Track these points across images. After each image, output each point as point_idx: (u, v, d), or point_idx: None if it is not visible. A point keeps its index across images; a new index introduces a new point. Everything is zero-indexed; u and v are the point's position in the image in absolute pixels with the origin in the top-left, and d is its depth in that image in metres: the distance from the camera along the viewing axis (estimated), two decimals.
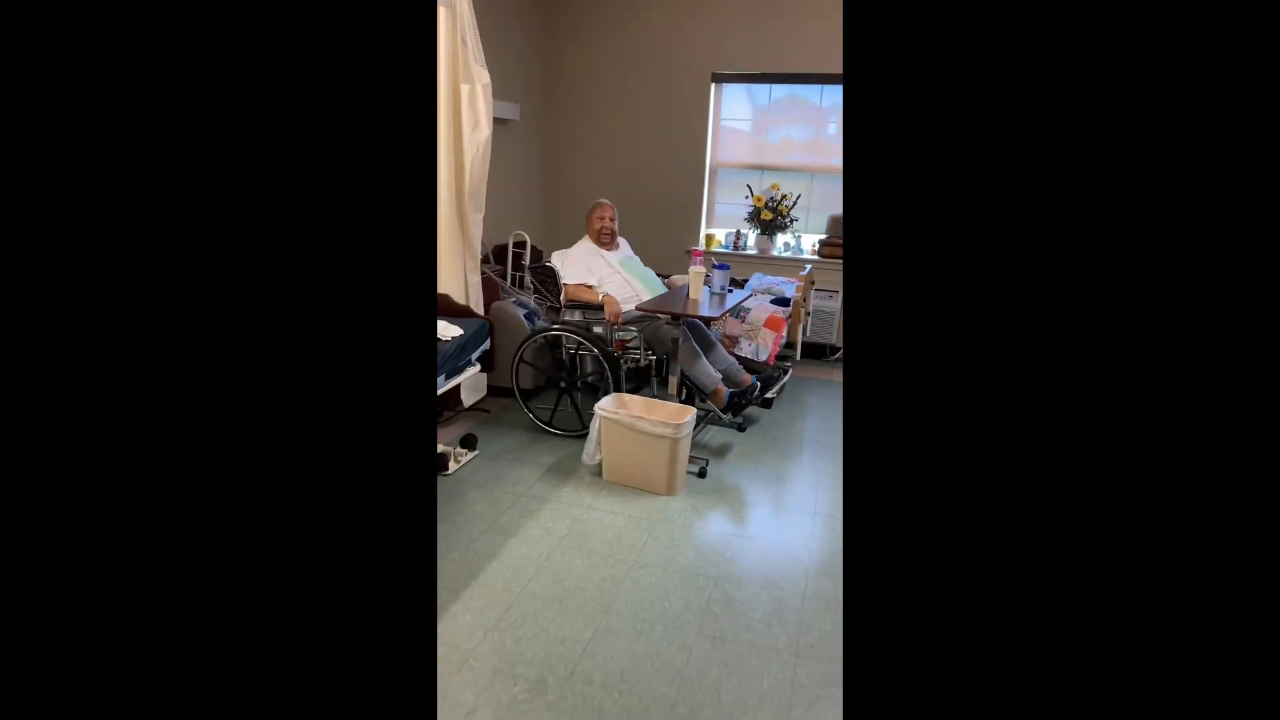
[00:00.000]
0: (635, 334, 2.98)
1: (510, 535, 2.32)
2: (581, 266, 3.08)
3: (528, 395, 3.22)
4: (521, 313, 3.58)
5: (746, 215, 4.61)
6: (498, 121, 4.17)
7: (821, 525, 2.44)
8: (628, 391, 2.87)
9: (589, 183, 4.82)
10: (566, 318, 3.09)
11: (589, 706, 1.61)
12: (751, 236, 4.65)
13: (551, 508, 2.50)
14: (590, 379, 3.09)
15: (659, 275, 4.27)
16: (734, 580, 2.12)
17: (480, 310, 3.01)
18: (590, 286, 3.06)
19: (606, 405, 2.69)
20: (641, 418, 2.56)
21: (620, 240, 3.32)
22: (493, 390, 3.63)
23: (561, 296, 3.10)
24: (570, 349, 3.06)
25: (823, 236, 4.45)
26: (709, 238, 4.71)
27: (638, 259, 3.34)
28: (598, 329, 3.04)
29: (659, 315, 2.85)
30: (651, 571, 2.15)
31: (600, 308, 2.97)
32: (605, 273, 3.09)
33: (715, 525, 2.44)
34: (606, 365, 2.92)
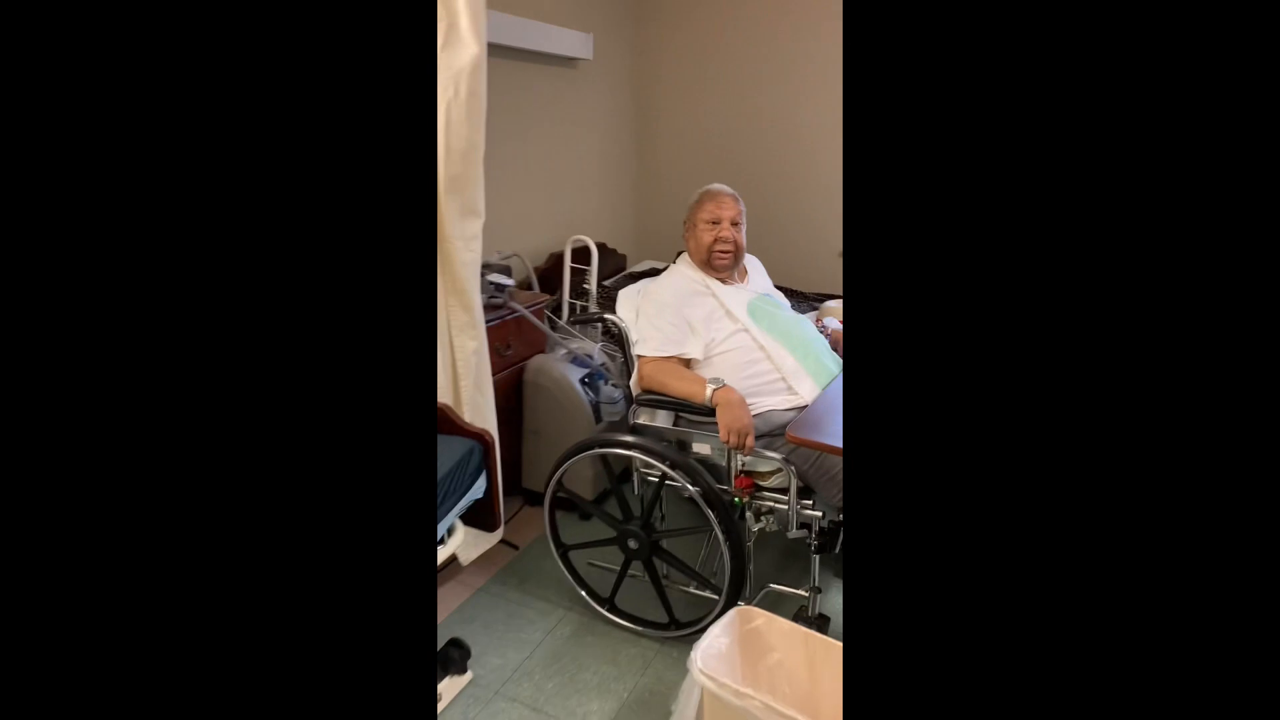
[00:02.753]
0: (779, 463, 1.45)
1: None
2: (673, 320, 1.57)
3: (576, 513, 1.80)
4: (577, 375, 2.14)
5: None
6: (559, 61, 2.72)
7: None
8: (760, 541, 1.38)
9: (696, 152, 3.28)
10: (643, 420, 1.60)
11: None
12: None
13: None
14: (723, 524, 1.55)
15: (804, 301, 2.69)
16: None
17: (479, 414, 1.59)
18: (687, 362, 1.56)
19: (713, 651, 1.22)
20: (789, 718, 1.05)
21: (751, 262, 1.79)
22: (529, 496, 2.24)
23: (633, 381, 1.61)
24: (651, 475, 1.59)
25: None
26: None
27: (781, 299, 1.79)
28: (703, 447, 1.54)
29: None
30: None
31: (707, 412, 1.45)
32: (720, 331, 1.57)
33: None
34: (718, 525, 1.43)
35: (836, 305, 2.53)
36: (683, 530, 1.60)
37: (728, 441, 1.40)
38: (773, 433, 1.49)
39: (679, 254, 3.15)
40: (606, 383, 2.20)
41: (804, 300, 2.73)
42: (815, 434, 1.22)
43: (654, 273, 2.98)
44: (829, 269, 3.11)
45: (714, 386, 1.42)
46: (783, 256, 3.07)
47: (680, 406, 1.51)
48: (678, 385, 1.48)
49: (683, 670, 1.57)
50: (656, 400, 1.53)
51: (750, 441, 1.39)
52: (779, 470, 1.48)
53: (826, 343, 1.64)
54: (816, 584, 1.52)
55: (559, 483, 1.65)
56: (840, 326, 2.41)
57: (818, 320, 2.45)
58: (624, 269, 3.09)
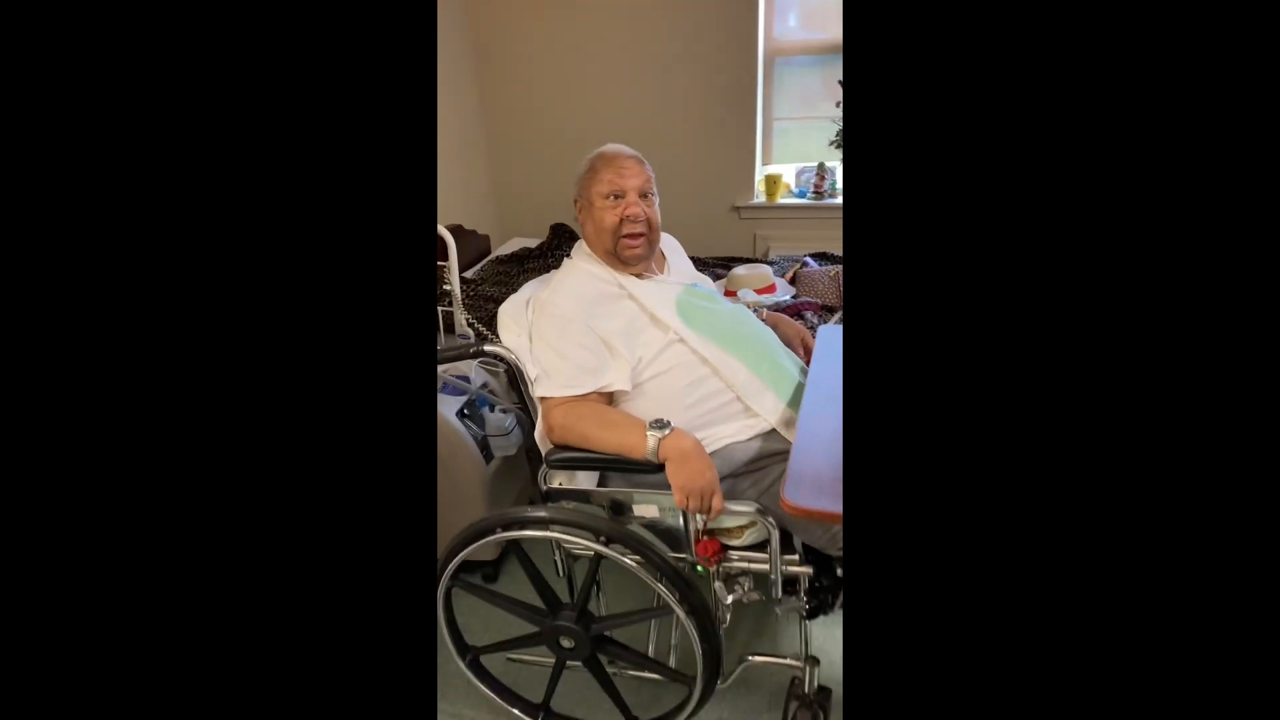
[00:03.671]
0: (752, 515, 1.08)
1: None
2: (583, 341, 1.13)
3: (478, 574, 1.35)
4: (452, 406, 1.67)
5: (835, 136, 2.64)
6: None
7: None
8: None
9: (557, 98, 2.78)
10: (559, 484, 1.17)
11: None
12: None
13: None
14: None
15: (705, 268, 2.32)
16: None
17: None
18: (609, 396, 1.14)
19: None
20: None
21: (667, 243, 1.37)
22: None
23: (539, 433, 1.17)
24: (579, 550, 1.17)
25: None
26: (771, 182, 2.75)
27: (710, 286, 1.40)
28: (647, 509, 1.14)
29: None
30: None
31: (652, 469, 1.05)
32: (648, 345, 1.15)
33: None
34: (679, 605, 1.06)
35: (746, 272, 2.19)
36: (631, 615, 1.21)
37: (686, 507, 1.01)
38: (736, 473, 1.12)
39: (555, 227, 2.70)
40: (493, 409, 1.73)
41: (705, 267, 2.36)
42: (823, 498, 0.85)
43: (526, 255, 2.50)
44: (726, 227, 2.77)
45: (658, 433, 1.01)
46: (672, 215, 2.69)
47: (611, 465, 1.09)
48: (605, 436, 1.06)
49: None
50: (576, 459, 1.10)
51: (718, 502, 1.01)
52: (753, 524, 1.12)
53: (776, 337, 1.28)
54: (811, 653, 1.19)
55: (456, 575, 1.20)
56: (757, 297, 2.08)
57: (727, 294, 2.10)
58: (488, 253, 2.58)
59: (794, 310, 1.87)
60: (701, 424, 1.12)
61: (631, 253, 1.20)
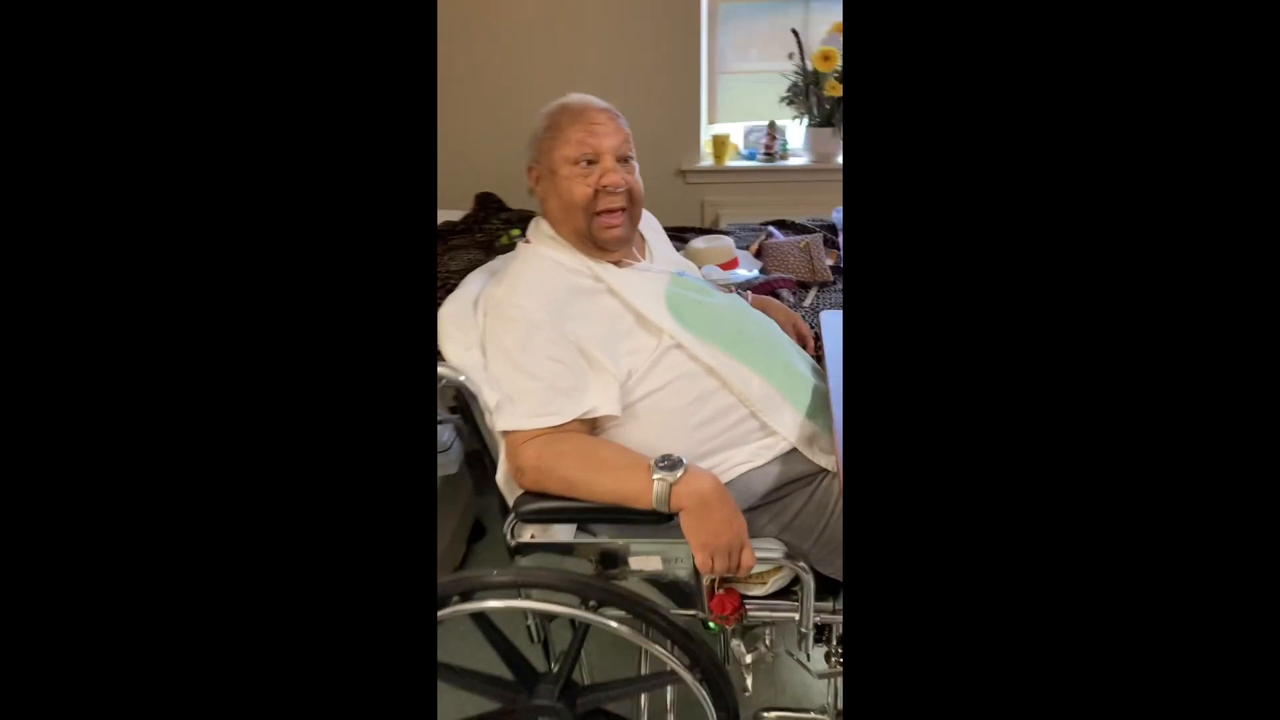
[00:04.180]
0: (779, 558, 0.87)
1: None
2: (555, 354, 0.87)
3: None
4: None
5: (786, 91, 2.43)
6: None
7: None
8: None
9: (472, 48, 2.43)
10: (531, 539, 0.91)
11: None
12: (799, 131, 2.49)
13: None
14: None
15: (685, 238, 2.06)
16: None
17: None
18: (592, 423, 0.90)
19: None
20: None
21: (646, 221, 1.11)
22: None
23: (502, 475, 0.91)
24: (551, 621, 0.93)
25: None
26: (719, 143, 2.51)
27: (696, 273, 1.16)
28: (647, 560, 0.91)
29: None
30: None
31: (659, 519, 0.81)
32: (637, 355, 0.91)
33: None
34: (687, 671, 0.84)
35: (705, 245, 1.94)
36: (629, 684, 0.99)
37: (710, 569, 0.78)
38: (753, 506, 0.91)
39: (480, 196, 2.36)
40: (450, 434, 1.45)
41: (679, 234, 2.10)
42: None
43: (450, 230, 2.16)
44: (671, 193, 2.52)
45: (668, 476, 0.77)
46: None
47: (605, 517, 0.85)
48: (596, 481, 0.81)
49: None
50: (554, 510, 0.85)
51: (748, 557, 0.79)
52: (778, 570, 0.91)
53: (782, 333, 1.06)
54: (840, 707, 1.01)
55: None
56: (724, 274, 1.85)
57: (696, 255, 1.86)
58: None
59: (769, 288, 1.67)
60: (710, 450, 0.90)
61: (610, 234, 0.94)
